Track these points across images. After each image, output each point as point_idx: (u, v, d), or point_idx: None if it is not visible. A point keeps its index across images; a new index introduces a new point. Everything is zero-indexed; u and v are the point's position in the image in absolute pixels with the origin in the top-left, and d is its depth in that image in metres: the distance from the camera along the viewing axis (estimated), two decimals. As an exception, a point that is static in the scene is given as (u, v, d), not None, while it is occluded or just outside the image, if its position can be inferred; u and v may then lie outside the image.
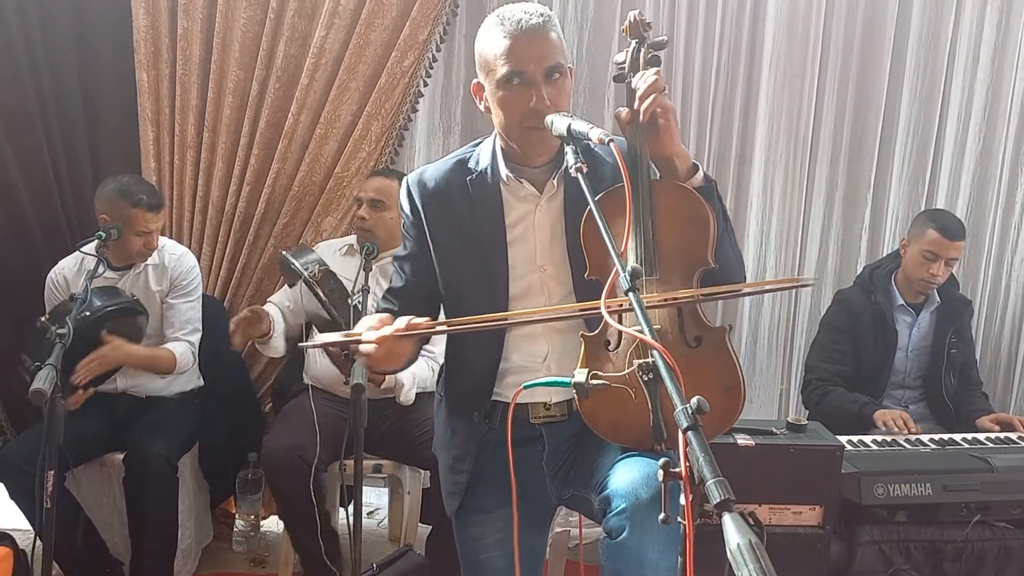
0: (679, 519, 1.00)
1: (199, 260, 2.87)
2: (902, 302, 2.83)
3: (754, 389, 3.33)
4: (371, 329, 1.46)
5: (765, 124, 3.14)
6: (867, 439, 2.49)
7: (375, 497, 3.37)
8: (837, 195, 3.22)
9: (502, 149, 1.58)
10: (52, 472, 2.05)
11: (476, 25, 1.53)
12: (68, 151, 2.98)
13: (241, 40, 2.89)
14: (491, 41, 1.48)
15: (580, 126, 1.34)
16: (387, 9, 2.87)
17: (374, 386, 2.36)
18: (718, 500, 0.87)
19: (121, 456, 2.56)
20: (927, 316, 2.85)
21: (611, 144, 1.28)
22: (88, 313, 2.32)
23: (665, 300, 1.42)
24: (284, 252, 2.45)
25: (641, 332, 1.09)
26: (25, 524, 2.49)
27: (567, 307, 1.53)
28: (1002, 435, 2.60)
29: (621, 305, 1.33)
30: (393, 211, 2.57)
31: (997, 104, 3.15)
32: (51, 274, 2.67)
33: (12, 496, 2.47)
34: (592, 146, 1.40)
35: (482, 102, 1.55)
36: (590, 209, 1.31)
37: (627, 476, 1.43)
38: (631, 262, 1.44)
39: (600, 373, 1.36)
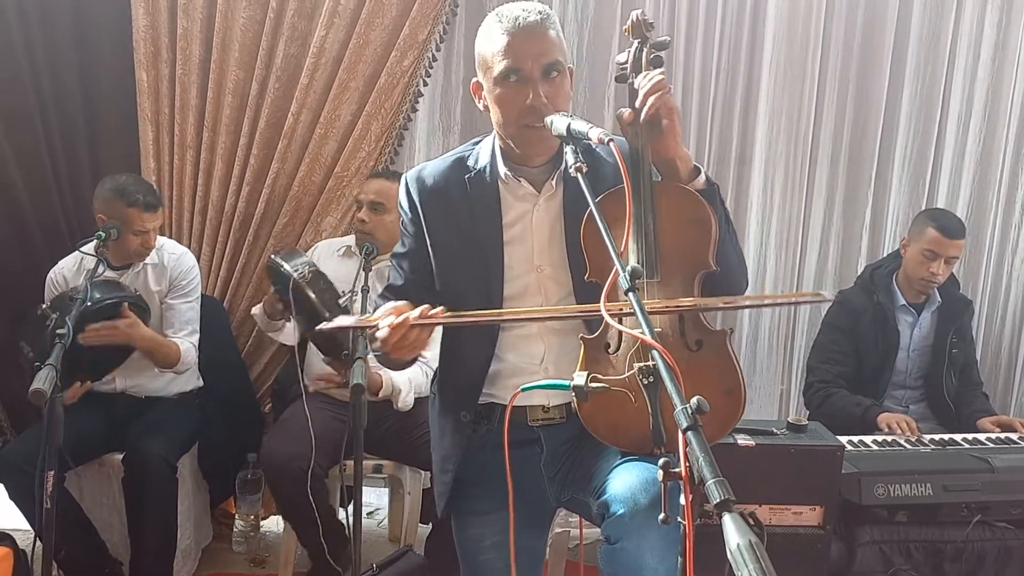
0: (679, 519, 1.00)
1: (199, 260, 2.87)
2: (903, 302, 2.83)
3: (754, 389, 3.33)
4: (389, 315, 1.44)
5: (765, 125, 3.14)
6: (867, 439, 2.49)
7: (375, 497, 3.37)
8: (837, 195, 3.22)
9: (501, 148, 1.57)
10: (52, 472, 2.05)
11: (476, 25, 1.53)
12: (68, 151, 2.98)
13: (241, 40, 2.89)
14: (489, 38, 1.47)
15: (580, 126, 1.34)
16: (387, 9, 2.87)
17: (370, 394, 2.36)
18: (718, 500, 0.87)
19: (120, 456, 2.56)
20: (928, 316, 2.85)
21: (611, 144, 1.27)
22: (90, 304, 2.31)
23: (667, 307, 1.40)
24: (273, 256, 2.44)
25: (642, 333, 1.09)
26: (25, 524, 2.49)
27: (572, 308, 1.52)
28: (1002, 435, 2.60)
29: (621, 308, 1.31)
30: (393, 214, 2.56)
31: (997, 104, 3.15)
32: (51, 274, 2.67)
33: (12, 496, 2.47)
34: (592, 146, 1.39)
35: (481, 101, 1.55)
36: (591, 210, 1.30)
37: (625, 481, 1.42)
38: (631, 262, 1.43)
39: (600, 376, 1.36)
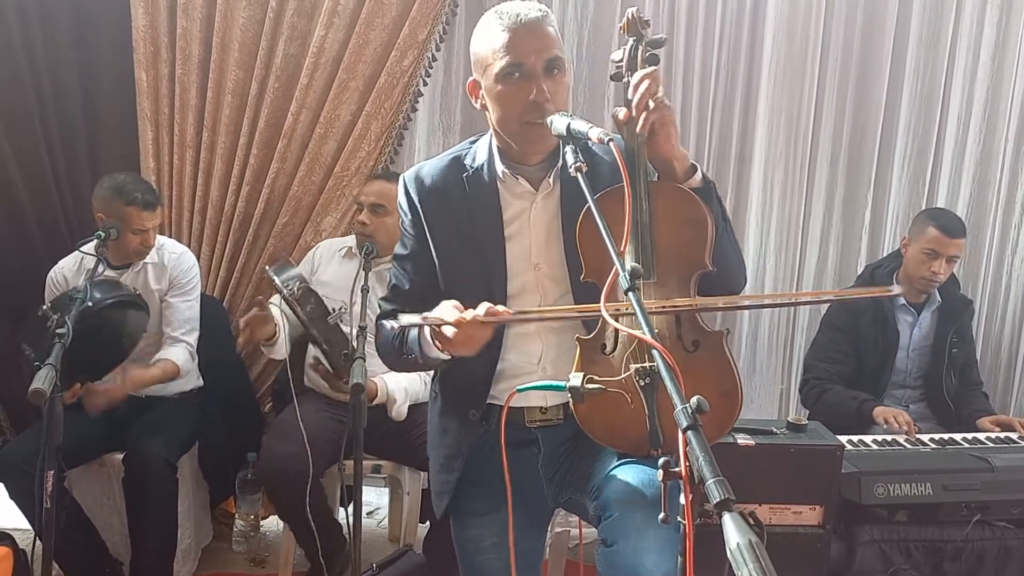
0: (679, 519, 1.00)
1: (198, 260, 2.87)
2: (904, 301, 2.82)
3: (754, 389, 3.33)
4: (452, 312, 1.42)
5: (765, 124, 3.14)
6: (867, 439, 2.49)
7: (375, 497, 3.37)
8: (837, 195, 3.22)
9: (498, 147, 1.57)
10: (52, 472, 2.04)
11: (476, 24, 1.52)
12: (67, 151, 2.98)
13: (240, 40, 2.89)
14: (488, 36, 1.46)
15: (579, 125, 1.33)
16: (386, 8, 2.87)
17: (366, 400, 2.36)
18: (718, 500, 0.87)
19: (120, 456, 2.56)
20: (928, 316, 2.85)
21: (611, 143, 1.27)
22: (91, 304, 2.31)
23: (665, 307, 1.40)
24: (267, 268, 2.46)
25: (643, 334, 1.09)
26: (25, 524, 2.49)
27: (577, 308, 1.50)
28: (1002, 435, 2.60)
29: (619, 309, 1.31)
30: (394, 215, 2.55)
31: (997, 104, 3.15)
32: (51, 274, 2.67)
33: (12, 496, 2.46)
34: (591, 145, 1.38)
35: (478, 100, 1.53)
36: (586, 210, 1.29)
37: (622, 484, 1.42)
38: (630, 262, 1.42)
39: (596, 377, 1.35)
